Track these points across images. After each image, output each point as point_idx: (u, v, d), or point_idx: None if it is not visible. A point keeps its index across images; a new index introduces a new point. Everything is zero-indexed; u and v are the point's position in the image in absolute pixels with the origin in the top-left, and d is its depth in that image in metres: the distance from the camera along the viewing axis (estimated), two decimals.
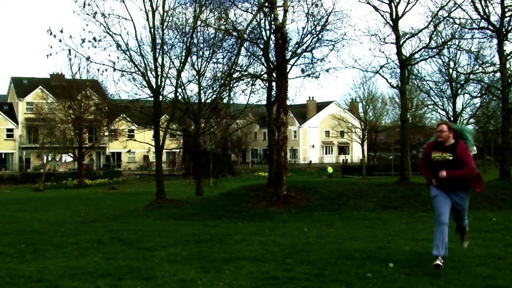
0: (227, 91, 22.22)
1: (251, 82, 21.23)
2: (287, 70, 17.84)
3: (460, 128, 6.28)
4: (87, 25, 23.70)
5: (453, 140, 5.95)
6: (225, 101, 23.95)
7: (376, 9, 23.11)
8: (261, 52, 21.43)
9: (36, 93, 54.70)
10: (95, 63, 20.78)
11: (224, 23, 19.69)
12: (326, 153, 74.87)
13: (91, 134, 50.02)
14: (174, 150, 52.26)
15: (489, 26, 22.38)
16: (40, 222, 14.57)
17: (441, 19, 22.96)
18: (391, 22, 22.92)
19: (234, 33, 19.08)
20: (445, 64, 27.01)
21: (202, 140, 28.78)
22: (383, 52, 55.32)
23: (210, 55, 23.13)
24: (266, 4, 16.18)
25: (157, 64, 20.08)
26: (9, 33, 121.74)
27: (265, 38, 21.14)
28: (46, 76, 54.59)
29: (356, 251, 6.94)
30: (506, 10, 21.52)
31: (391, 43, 23.95)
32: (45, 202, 25.71)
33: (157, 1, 19.79)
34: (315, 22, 20.88)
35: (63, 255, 7.26)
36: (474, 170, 5.81)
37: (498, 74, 23.88)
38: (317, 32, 21.12)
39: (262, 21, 21.02)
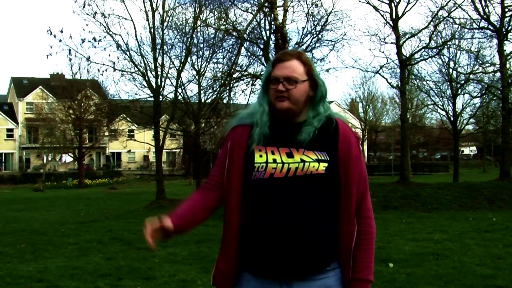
0: (227, 91, 22.20)
1: (251, 82, 21.21)
2: None
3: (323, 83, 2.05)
4: (87, 25, 23.73)
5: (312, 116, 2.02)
6: (225, 101, 23.90)
7: (376, 9, 23.18)
8: (261, 52, 21.42)
9: (36, 93, 54.64)
10: (95, 63, 20.81)
11: (224, 23, 19.70)
12: None
13: (91, 134, 49.91)
14: (174, 150, 52.19)
15: (489, 26, 22.41)
16: (40, 222, 14.54)
17: (441, 19, 22.98)
18: (391, 22, 22.98)
19: (234, 33, 19.09)
20: (445, 64, 26.97)
21: (202, 140, 28.74)
22: (383, 52, 55.61)
23: (210, 55, 23.10)
24: (266, 4, 16.17)
25: (157, 64, 20.09)
26: (9, 33, 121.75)
27: (265, 38, 21.12)
28: (46, 76, 54.50)
29: None
30: (506, 10, 21.56)
31: (391, 43, 24.02)
32: (45, 202, 25.65)
33: (157, 1, 19.81)
34: (315, 22, 20.88)
35: (63, 255, 7.27)
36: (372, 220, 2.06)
37: (498, 74, 23.89)
38: (317, 32, 21.12)
39: (262, 21, 21.00)
